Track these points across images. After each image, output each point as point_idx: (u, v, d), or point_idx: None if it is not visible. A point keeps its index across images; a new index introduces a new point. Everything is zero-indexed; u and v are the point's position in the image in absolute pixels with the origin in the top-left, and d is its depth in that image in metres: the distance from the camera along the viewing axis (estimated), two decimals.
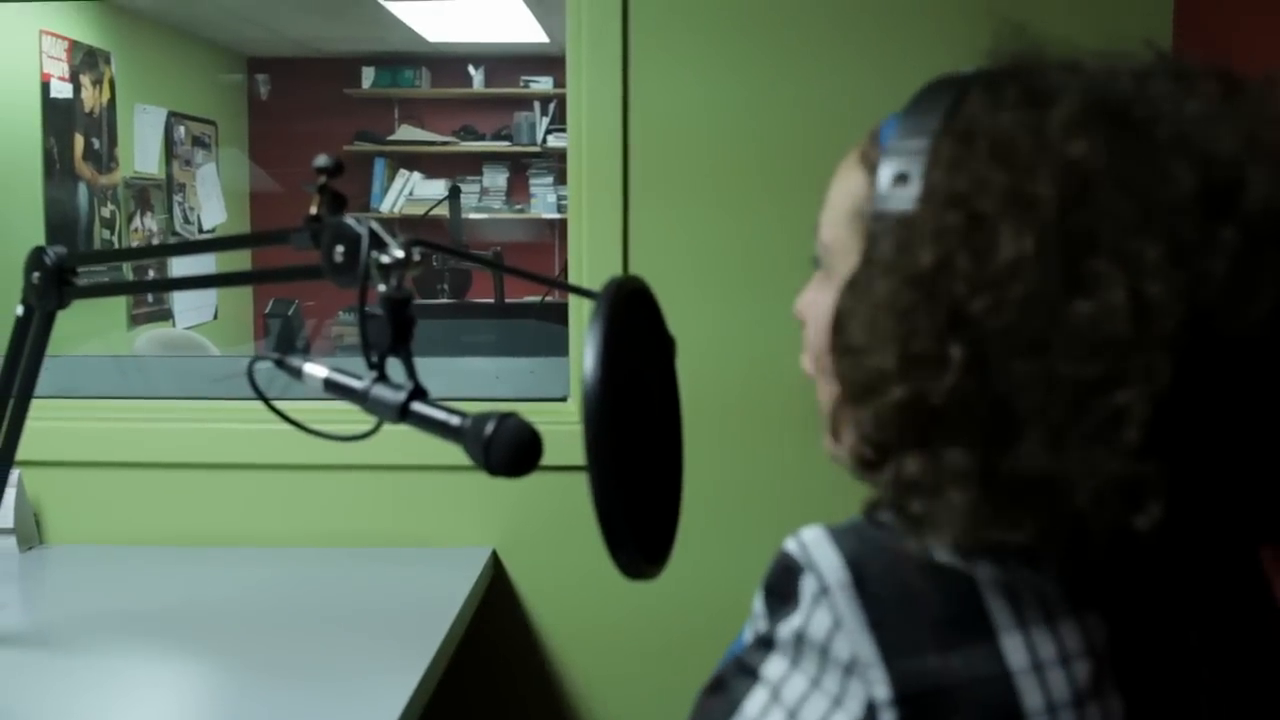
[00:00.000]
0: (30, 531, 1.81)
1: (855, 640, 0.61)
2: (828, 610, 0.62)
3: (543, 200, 6.16)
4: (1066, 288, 0.58)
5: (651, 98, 1.79)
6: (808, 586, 0.63)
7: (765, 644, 0.65)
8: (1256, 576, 0.73)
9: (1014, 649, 0.61)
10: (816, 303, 0.78)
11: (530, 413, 0.88)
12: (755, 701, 0.64)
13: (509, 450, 0.84)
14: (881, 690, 0.60)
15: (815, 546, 0.64)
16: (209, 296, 5.43)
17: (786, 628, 0.64)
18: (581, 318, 1.81)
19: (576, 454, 0.81)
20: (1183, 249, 0.58)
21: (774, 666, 0.64)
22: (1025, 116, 0.62)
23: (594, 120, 1.79)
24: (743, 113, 1.79)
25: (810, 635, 0.63)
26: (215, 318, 5.46)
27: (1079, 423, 0.58)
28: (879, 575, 0.62)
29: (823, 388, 0.78)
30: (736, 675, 0.66)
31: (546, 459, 0.87)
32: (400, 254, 0.90)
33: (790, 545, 0.65)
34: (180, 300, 5.13)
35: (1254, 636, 0.71)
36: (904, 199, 0.67)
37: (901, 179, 0.67)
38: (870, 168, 0.73)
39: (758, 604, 0.67)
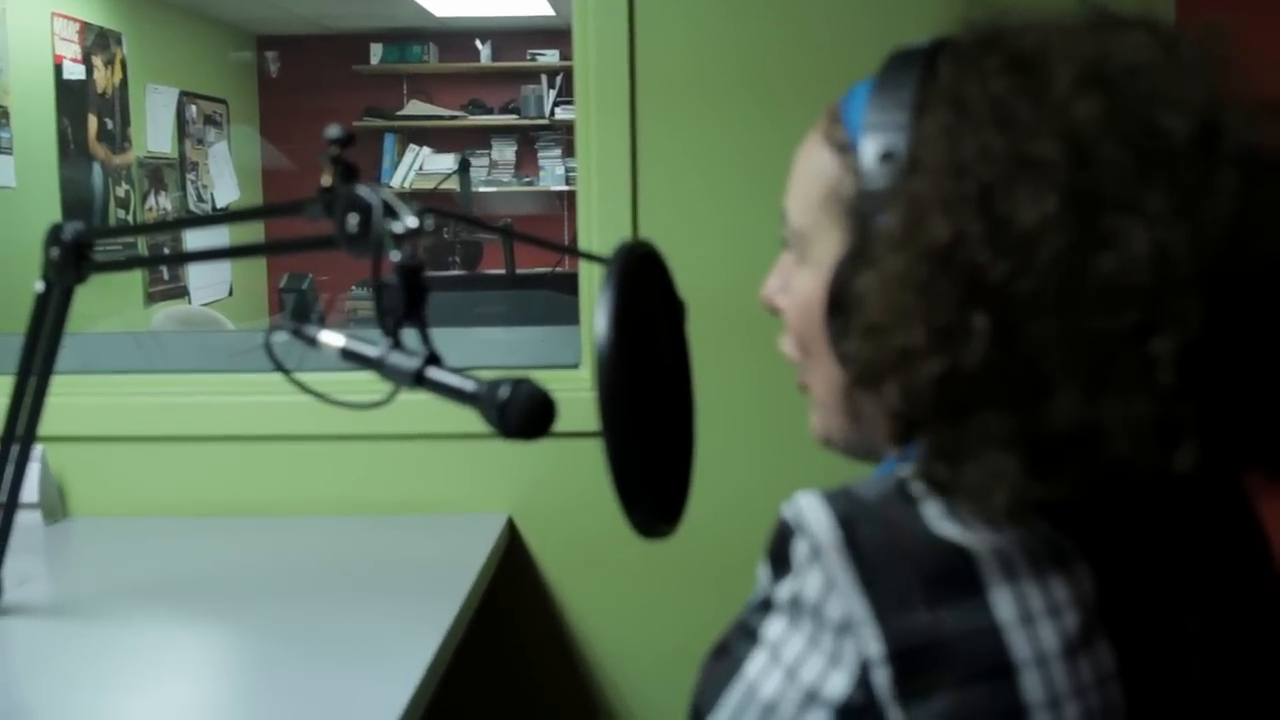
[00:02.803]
0: (54, 505, 1.84)
1: (848, 599, 0.62)
2: (820, 571, 0.63)
3: (551, 173, 6.17)
4: (1088, 244, 0.59)
5: (659, 66, 1.79)
6: (800, 549, 0.65)
7: (765, 606, 0.67)
8: (1243, 508, 0.75)
9: (1003, 602, 0.62)
10: (795, 287, 0.78)
11: (542, 380, 0.89)
12: (756, 663, 0.66)
13: (524, 412, 0.85)
14: (874, 647, 0.62)
15: (808, 509, 0.65)
16: (224, 273, 5.45)
17: (784, 590, 0.65)
18: (592, 286, 1.82)
19: (589, 420, 0.82)
20: (1187, 196, 0.59)
21: (773, 628, 0.66)
22: (1017, 81, 0.63)
23: (601, 90, 1.79)
24: (751, 77, 1.79)
25: (804, 597, 0.64)
26: (230, 294, 5.49)
27: (1112, 374, 0.59)
28: (870, 535, 0.63)
29: (814, 371, 0.78)
30: (739, 638, 0.67)
31: (559, 425, 0.87)
32: (413, 223, 0.91)
33: (785, 510, 0.66)
34: (195, 277, 5.16)
35: (1241, 578, 0.72)
36: (892, 174, 0.67)
37: (887, 156, 0.68)
38: (837, 147, 0.74)
39: (761, 571, 0.68)
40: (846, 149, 0.73)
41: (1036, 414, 0.59)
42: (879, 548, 0.63)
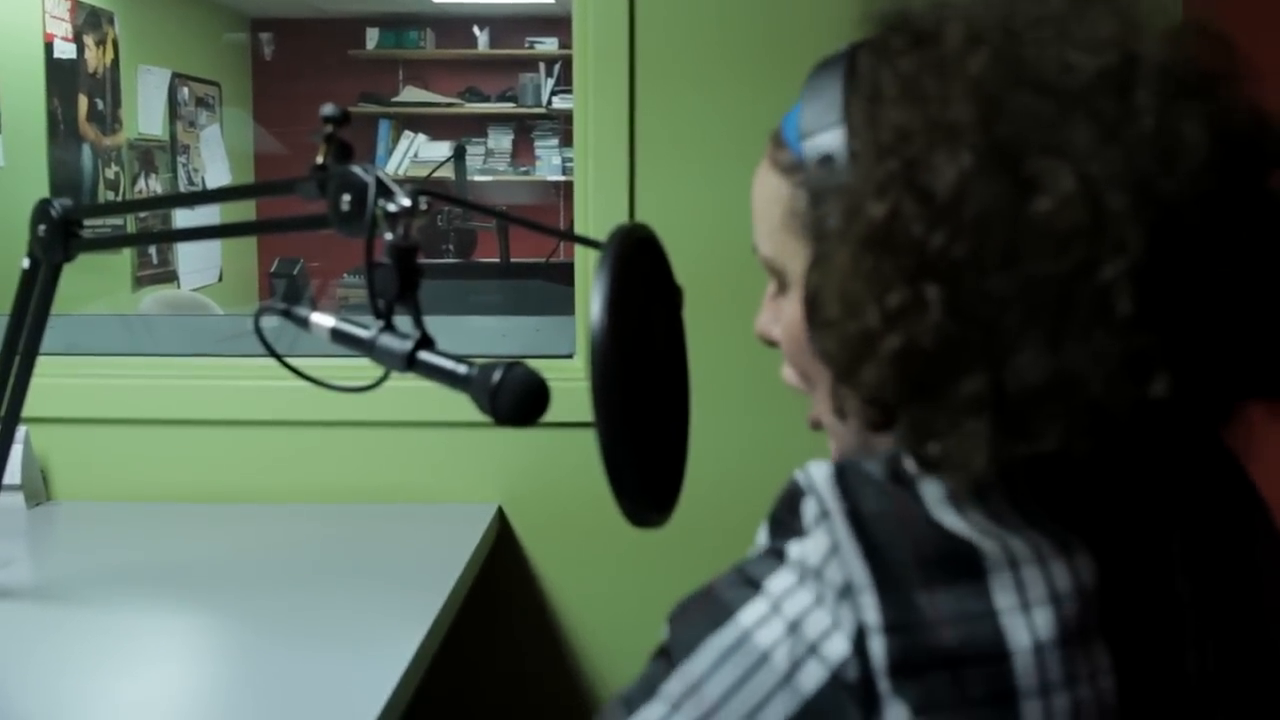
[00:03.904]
0: (37, 488, 1.82)
1: (850, 565, 0.62)
2: (826, 533, 0.63)
3: (547, 162, 6.14)
4: (1017, 193, 0.59)
5: (658, 54, 1.78)
6: (810, 509, 0.65)
7: (775, 555, 0.65)
8: (1246, 492, 0.74)
9: (1002, 588, 0.62)
10: (784, 315, 0.79)
11: (535, 369, 0.88)
12: (753, 611, 0.64)
13: (516, 397, 0.84)
14: (872, 616, 0.61)
15: (818, 474, 0.65)
16: (213, 258, 5.42)
17: (794, 548, 0.65)
18: (587, 274, 1.81)
19: (582, 410, 0.80)
20: (1107, 125, 0.60)
21: (779, 580, 0.64)
22: (920, 56, 0.64)
23: (600, 78, 1.78)
24: (751, 67, 1.78)
25: (809, 557, 0.64)
26: (220, 280, 5.45)
27: (1071, 315, 0.59)
28: (875, 509, 0.63)
29: (818, 400, 0.78)
30: (734, 584, 0.66)
31: (552, 415, 0.86)
32: (407, 202, 0.90)
33: (796, 474, 0.67)
34: (185, 262, 5.13)
35: (1241, 567, 0.71)
36: (835, 175, 0.68)
37: (826, 160, 0.69)
38: (783, 169, 0.75)
39: (761, 533, 0.68)
40: (792, 168, 0.74)
41: (1004, 372, 0.60)
42: (883, 520, 0.63)
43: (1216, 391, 0.65)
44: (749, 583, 0.65)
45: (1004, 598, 0.61)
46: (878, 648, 0.61)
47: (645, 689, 0.66)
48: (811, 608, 0.63)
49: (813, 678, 0.62)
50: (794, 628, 0.63)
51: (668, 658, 0.66)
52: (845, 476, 0.65)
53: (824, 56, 0.74)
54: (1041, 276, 0.59)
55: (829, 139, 0.69)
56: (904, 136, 0.62)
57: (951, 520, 0.63)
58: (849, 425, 0.72)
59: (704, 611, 0.66)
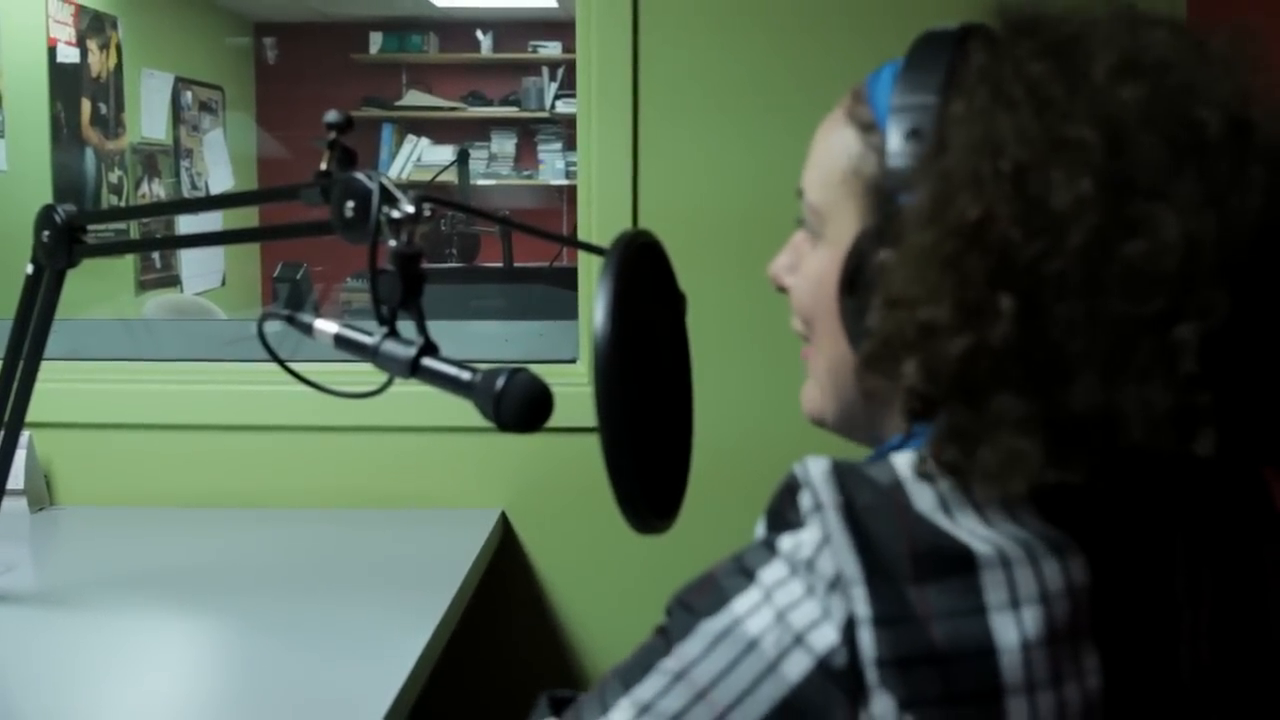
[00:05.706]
0: (41, 492, 1.82)
1: (841, 556, 0.62)
2: (819, 525, 0.64)
3: (551, 166, 6.14)
4: (1119, 229, 0.60)
5: (662, 60, 1.78)
6: (805, 501, 0.65)
7: (769, 548, 0.66)
8: (1263, 500, 0.74)
9: (994, 585, 0.62)
10: (807, 265, 0.79)
11: (539, 374, 0.88)
12: (746, 600, 0.65)
13: (520, 404, 0.84)
14: (862, 607, 0.61)
15: (814, 468, 0.66)
16: (216, 262, 5.42)
17: (787, 540, 0.65)
18: (591, 279, 1.81)
19: (586, 415, 0.80)
20: (1217, 188, 0.60)
21: (772, 572, 0.65)
22: (1055, 66, 0.64)
23: (603, 83, 1.78)
24: (755, 74, 1.78)
25: (800, 548, 0.64)
26: (223, 284, 5.45)
27: (1134, 359, 0.59)
28: (869, 504, 0.64)
29: (820, 347, 0.79)
30: (730, 574, 0.67)
31: (555, 420, 0.87)
32: (411, 209, 0.90)
33: (794, 467, 0.67)
34: (188, 266, 5.13)
35: (1249, 572, 0.71)
36: (919, 153, 0.68)
37: (915, 134, 0.69)
38: (861, 126, 0.75)
39: (760, 527, 0.68)
40: (871, 128, 0.74)
41: (1056, 397, 0.60)
42: (876, 514, 0.63)
43: (1252, 453, 0.66)
44: (744, 572, 0.66)
45: (994, 595, 0.62)
46: (867, 639, 0.61)
47: (642, 665, 0.67)
48: (801, 599, 0.63)
49: (798, 667, 0.62)
50: (782, 617, 0.63)
51: (665, 637, 0.67)
52: (841, 471, 0.65)
53: (931, 30, 0.73)
54: (1117, 315, 0.59)
55: (921, 118, 0.69)
56: (1022, 140, 0.62)
57: (944, 523, 0.63)
58: (863, 397, 0.72)
59: (702, 596, 0.67)
